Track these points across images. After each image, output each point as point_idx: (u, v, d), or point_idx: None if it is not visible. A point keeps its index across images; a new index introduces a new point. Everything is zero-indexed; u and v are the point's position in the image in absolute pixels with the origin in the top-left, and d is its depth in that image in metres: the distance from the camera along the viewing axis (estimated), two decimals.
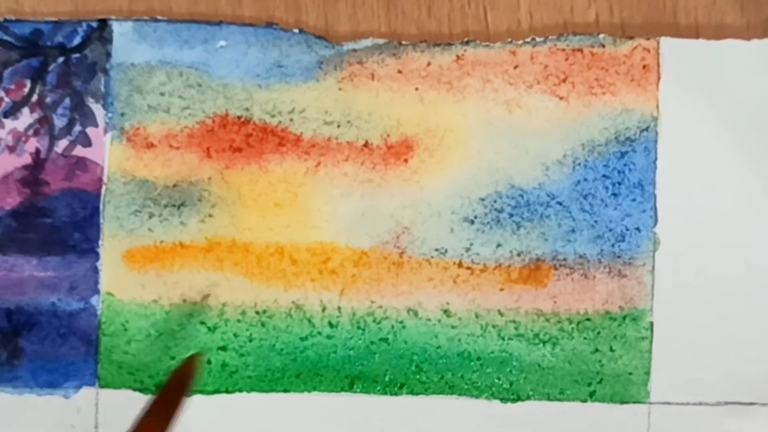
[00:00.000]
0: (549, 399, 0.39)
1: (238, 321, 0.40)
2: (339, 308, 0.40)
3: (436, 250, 0.40)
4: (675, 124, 0.39)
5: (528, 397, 0.39)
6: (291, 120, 0.40)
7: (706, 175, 0.39)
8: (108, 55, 0.40)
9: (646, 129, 0.39)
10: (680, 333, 0.39)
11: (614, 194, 0.39)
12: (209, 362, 0.40)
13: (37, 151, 0.40)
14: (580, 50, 0.40)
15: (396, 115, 0.40)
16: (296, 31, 0.40)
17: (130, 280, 0.40)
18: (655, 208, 0.39)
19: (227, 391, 0.40)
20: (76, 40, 0.40)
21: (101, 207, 0.40)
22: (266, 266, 0.40)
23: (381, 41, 0.40)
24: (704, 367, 0.39)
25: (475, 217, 0.40)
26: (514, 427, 0.39)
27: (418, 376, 0.40)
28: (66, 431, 0.40)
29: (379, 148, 0.40)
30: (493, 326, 0.39)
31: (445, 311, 0.40)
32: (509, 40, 0.40)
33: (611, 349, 0.39)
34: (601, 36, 0.40)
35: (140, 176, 0.40)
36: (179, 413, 0.35)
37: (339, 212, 0.40)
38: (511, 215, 0.40)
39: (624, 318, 0.39)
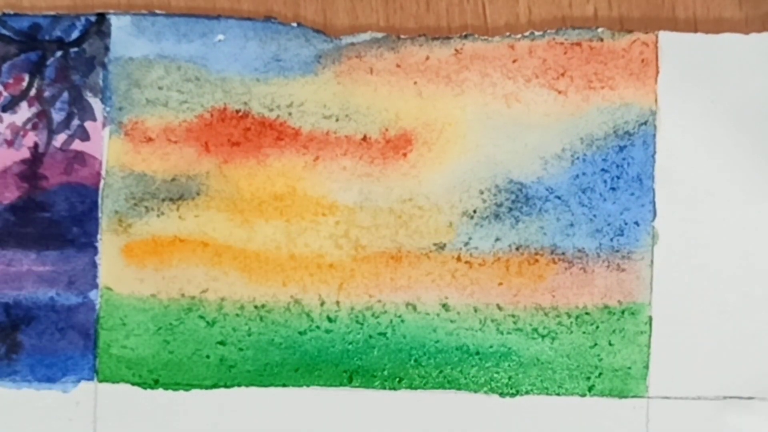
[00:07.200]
0: (548, 393, 0.39)
1: (237, 315, 0.40)
2: (337, 302, 0.40)
3: (435, 244, 0.40)
4: (673, 118, 0.39)
5: (527, 392, 0.39)
6: (289, 114, 0.40)
7: (704, 169, 0.39)
8: (106, 49, 0.40)
9: (645, 123, 0.39)
10: (679, 327, 0.39)
11: (613, 188, 0.39)
12: (208, 357, 0.40)
13: (36, 146, 0.40)
14: (579, 44, 0.40)
15: (394, 109, 0.40)
16: (294, 25, 0.40)
17: (128, 275, 0.40)
18: (653, 202, 0.39)
19: (225, 386, 0.40)
20: (75, 34, 0.40)
21: (100, 201, 0.40)
22: (264, 261, 0.40)
23: (379, 35, 0.40)
24: (703, 361, 0.39)
25: (474, 211, 0.40)
26: (513, 421, 0.39)
27: (416, 371, 0.40)
28: (64, 425, 0.40)
29: (378, 142, 0.40)
30: (492, 320, 0.39)
31: (444, 305, 0.40)
32: (508, 34, 0.40)
33: (610, 344, 0.39)
34: (600, 30, 0.40)
35: (138, 170, 0.40)
36: None
37: (337, 206, 0.40)
38: (509, 209, 0.40)
39: (623, 312, 0.39)
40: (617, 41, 0.40)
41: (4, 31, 0.40)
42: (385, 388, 0.40)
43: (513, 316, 0.39)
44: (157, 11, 0.40)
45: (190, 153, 0.40)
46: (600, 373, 0.39)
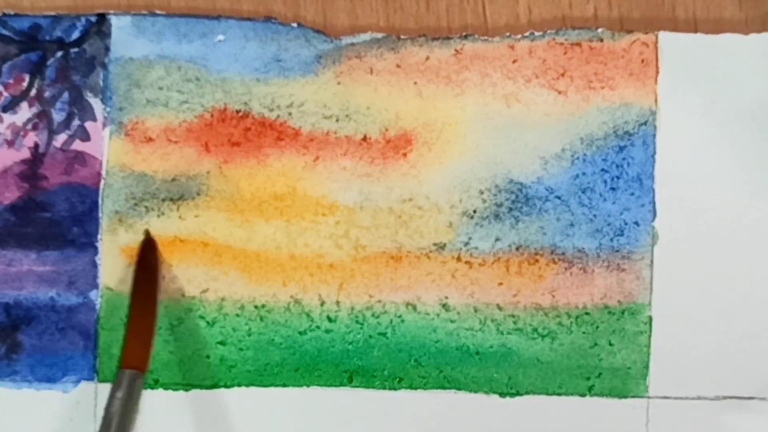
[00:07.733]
0: (548, 393, 0.39)
1: (237, 315, 0.40)
2: (337, 303, 0.40)
3: (435, 244, 0.40)
4: (673, 118, 0.39)
5: (527, 392, 0.39)
6: (289, 114, 0.40)
7: (704, 169, 0.39)
8: (106, 49, 0.40)
9: (645, 123, 0.39)
10: (679, 327, 0.39)
11: (613, 188, 0.39)
12: (208, 357, 0.40)
13: (36, 146, 0.40)
14: (579, 44, 0.40)
15: (394, 109, 0.40)
16: (294, 25, 0.40)
17: (128, 275, 0.40)
18: (653, 203, 0.39)
19: (226, 386, 0.40)
20: (75, 35, 0.40)
21: (100, 201, 0.40)
22: (265, 261, 0.40)
23: (379, 35, 0.40)
24: (703, 361, 0.39)
25: (474, 211, 0.40)
26: (512, 421, 0.39)
27: (416, 371, 0.40)
28: (65, 425, 0.40)
29: (378, 143, 0.40)
30: (492, 320, 0.39)
31: (444, 305, 0.40)
32: (508, 34, 0.40)
33: (610, 344, 0.39)
34: (600, 30, 0.40)
35: (139, 170, 0.40)
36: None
37: (337, 206, 0.40)
38: (509, 209, 0.40)
39: (623, 312, 0.39)
40: (617, 41, 0.40)
41: (5, 32, 0.40)
42: (385, 388, 0.40)
43: (513, 316, 0.39)
44: (157, 11, 0.40)
45: (190, 153, 0.40)
46: (600, 373, 0.39)
